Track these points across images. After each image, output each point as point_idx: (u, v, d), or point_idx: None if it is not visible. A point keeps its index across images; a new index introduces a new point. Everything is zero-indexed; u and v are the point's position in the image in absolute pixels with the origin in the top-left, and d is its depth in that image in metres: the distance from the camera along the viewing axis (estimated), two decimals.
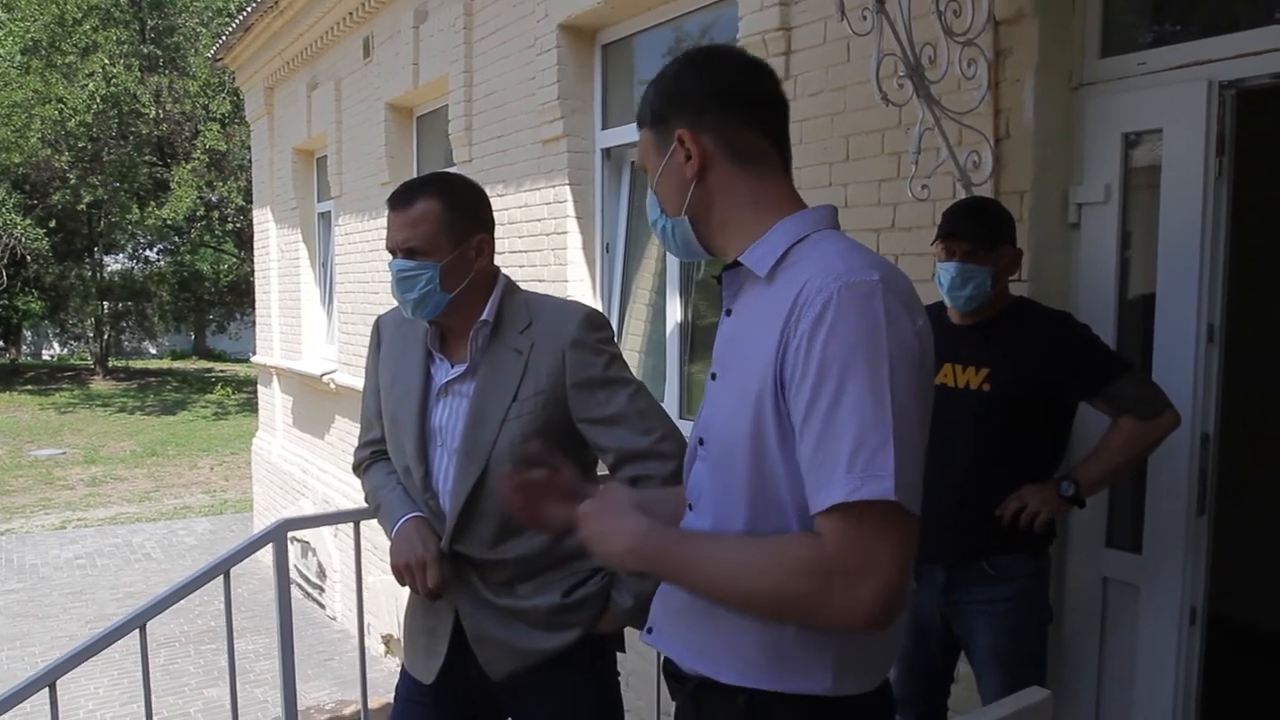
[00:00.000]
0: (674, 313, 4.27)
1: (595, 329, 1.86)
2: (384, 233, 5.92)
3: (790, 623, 1.16)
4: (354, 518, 2.18)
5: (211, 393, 21.60)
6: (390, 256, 1.85)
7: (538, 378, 1.82)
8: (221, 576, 1.96)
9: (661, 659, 1.41)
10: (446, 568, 1.83)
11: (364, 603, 2.19)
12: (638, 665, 2.78)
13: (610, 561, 1.33)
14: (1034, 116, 2.59)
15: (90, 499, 12.48)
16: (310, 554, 8.38)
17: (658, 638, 1.36)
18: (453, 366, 1.89)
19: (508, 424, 1.81)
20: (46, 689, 1.78)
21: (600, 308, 4.47)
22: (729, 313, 1.31)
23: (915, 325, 1.13)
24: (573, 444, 1.86)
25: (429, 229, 1.82)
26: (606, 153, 4.63)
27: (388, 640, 6.70)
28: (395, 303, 1.89)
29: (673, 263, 4.29)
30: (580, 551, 1.87)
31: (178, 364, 28.05)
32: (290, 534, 7.59)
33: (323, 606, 8.09)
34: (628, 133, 4.50)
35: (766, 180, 1.29)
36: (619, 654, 1.99)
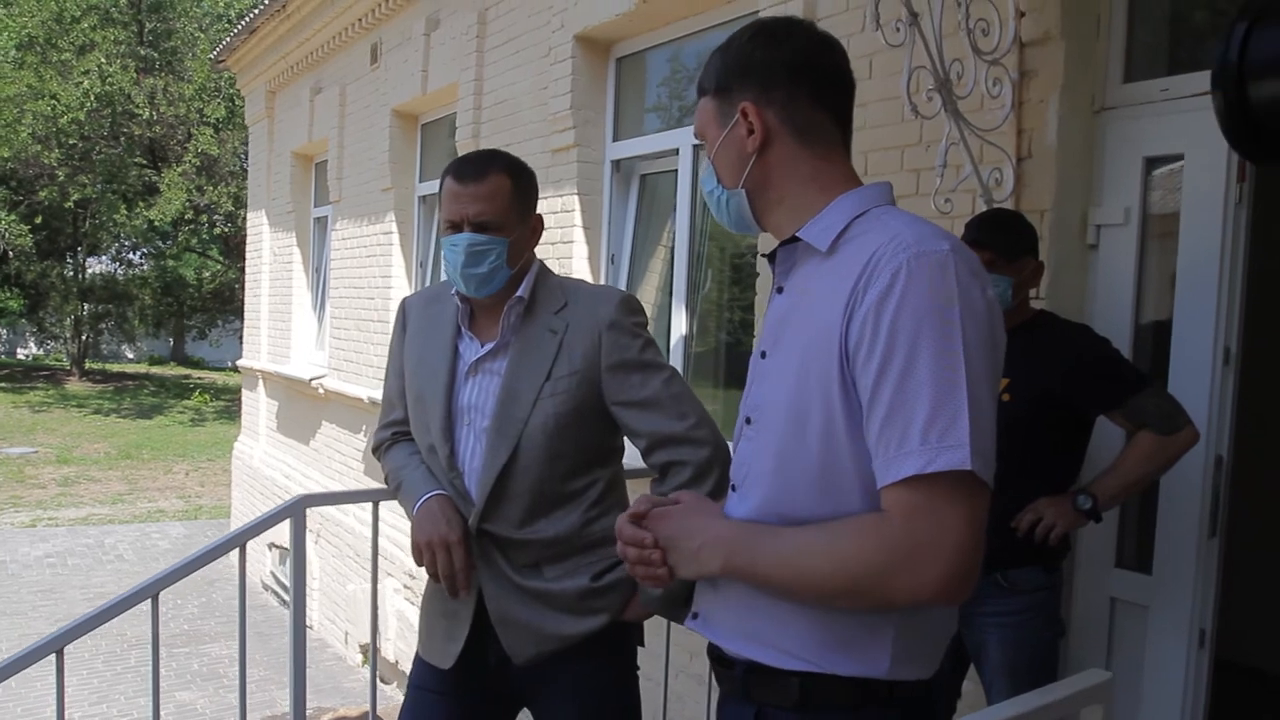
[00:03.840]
0: (679, 325, 4.27)
1: (632, 312, 1.86)
2: (382, 238, 5.92)
3: (866, 605, 1.13)
4: (373, 497, 2.15)
5: (189, 399, 21.36)
6: (452, 230, 1.82)
7: (572, 358, 1.81)
8: (236, 550, 1.93)
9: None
10: (475, 548, 1.80)
11: (376, 591, 2.14)
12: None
13: (691, 566, 1.24)
14: (1056, 137, 2.62)
15: (62, 498, 12.27)
16: (289, 560, 8.27)
17: (704, 623, 1.33)
18: (483, 345, 1.88)
19: (540, 403, 1.79)
20: (53, 655, 1.73)
21: None
22: (780, 290, 1.29)
23: (985, 295, 1.12)
24: (602, 426, 1.86)
25: (502, 203, 1.80)
26: (616, 164, 4.64)
27: (365, 650, 6.60)
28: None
29: (678, 276, 4.30)
30: (611, 535, 1.87)
31: (155, 369, 27.72)
32: (270, 540, 7.48)
33: None
34: (638, 145, 4.53)
35: (827, 159, 1.27)
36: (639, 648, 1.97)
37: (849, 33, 3.12)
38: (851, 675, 1.17)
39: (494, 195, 1.80)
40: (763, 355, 1.28)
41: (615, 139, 4.65)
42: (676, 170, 4.28)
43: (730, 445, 1.36)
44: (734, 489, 1.29)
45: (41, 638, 1.72)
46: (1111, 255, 2.65)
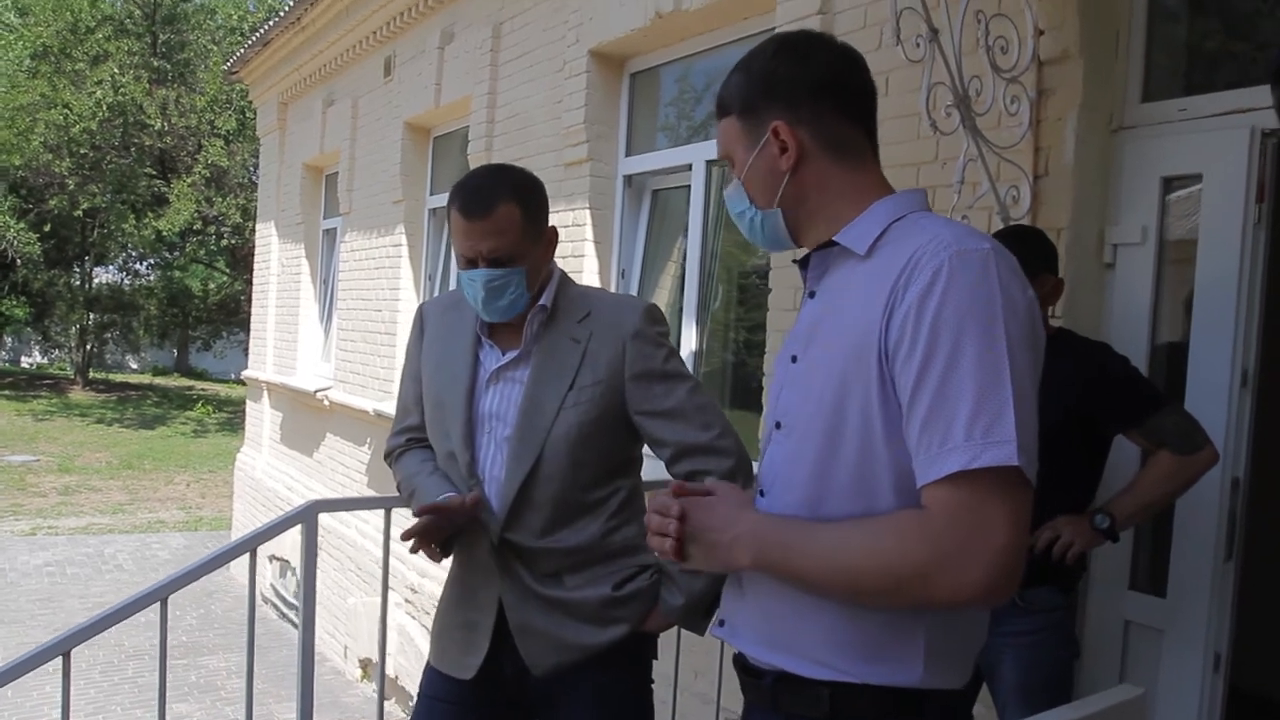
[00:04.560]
0: (689, 341, 4.26)
1: (655, 322, 1.85)
2: (391, 251, 5.91)
3: (903, 604, 1.11)
4: (385, 504, 2.13)
5: (192, 410, 21.35)
6: (468, 265, 1.79)
7: (596, 367, 1.80)
8: (247, 555, 1.91)
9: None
10: (494, 557, 1.77)
11: (388, 598, 2.11)
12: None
13: (720, 558, 1.22)
14: (1074, 156, 2.62)
15: (62, 507, 12.24)
16: (290, 573, 8.23)
17: (730, 631, 1.30)
18: (504, 353, 1.86)
19: (564, 412, 1.78)
20: (60, 658, 1.71)
21: None
22: (812, 295, 1.28)
23: (1026, 293, 1.12)
24: (624, 436, 1.84)
25: (513, 235, 1.77)
26: (628, 179, 4.65)
27: (365, 665, 6.55)
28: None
29: (689, 292, 4.29)
30: (632, 545, 1.86)
31: (159, 379, 27.73)
32: (270, 553, 7.45)
33: (298, 627, 7.92)
34: (650, 160, 4.53)
35: (860, 172, 1.27)
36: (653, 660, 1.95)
37: (866, 49, 3.07)
38: (883, 684, 1.15)
39: (505, 229, 1.76)
40: (793, 359, 1.27)
41: (628, 154, 4.66)
42: (689, 186, 4.28)
43: (760, 451, 1.34)
44: (761, 494, 1.28)
45: (49, 639, 1.70)
46: (1128, 275, 2.64)
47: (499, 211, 1.76)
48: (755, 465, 1.59)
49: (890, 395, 1.11)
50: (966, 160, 2.56)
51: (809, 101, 1.24)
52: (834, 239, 1.24)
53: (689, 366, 4.26)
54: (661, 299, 4.60)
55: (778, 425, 1.27)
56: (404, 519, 1.81)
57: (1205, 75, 2.66)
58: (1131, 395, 2.24)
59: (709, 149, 4.13)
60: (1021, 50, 2.56)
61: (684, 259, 4.37)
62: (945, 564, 1.04)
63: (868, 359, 1.12)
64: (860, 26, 3.15)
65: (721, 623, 1.32)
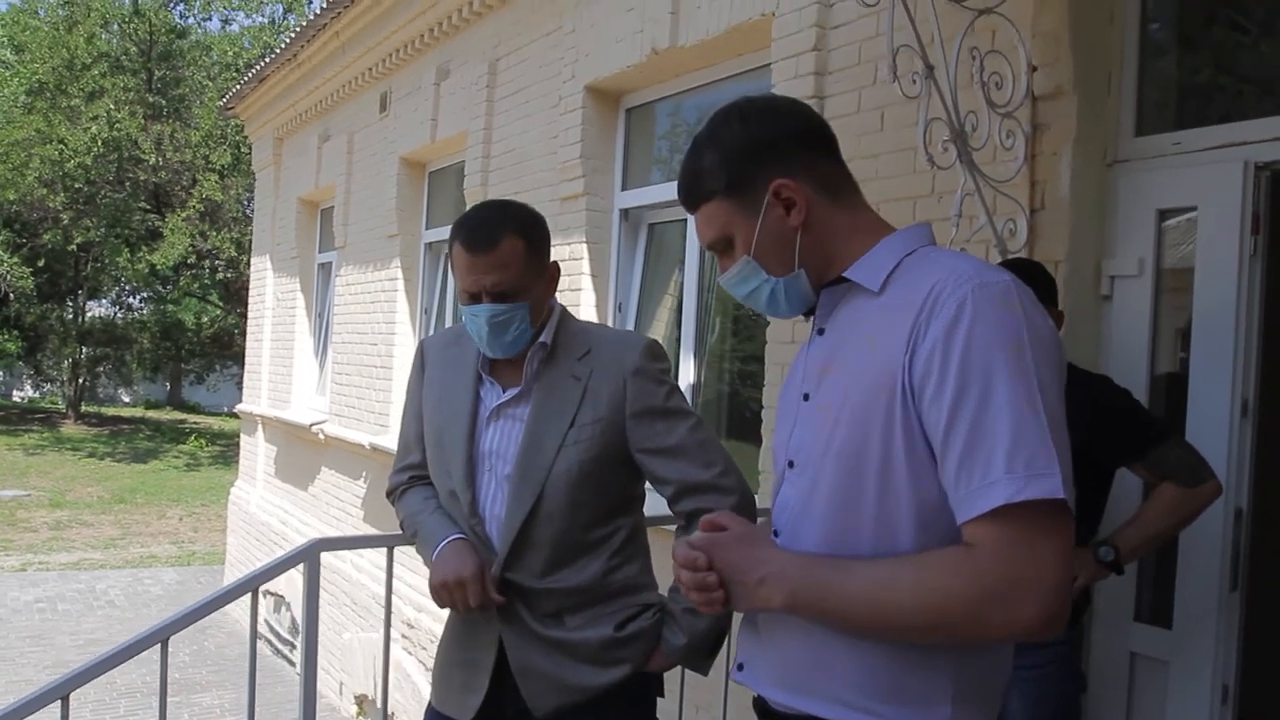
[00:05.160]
0: (686, 373, 4.26)
1: (656, 359, 1.84)
2: (387, 285, 5.94)
3: (953, 641, 1.10)
4: (389, 542, 2.12)
5: (185, 443, 21.23)
6: (471, 300, 1.79)
7: (597, 405, 1.79)
8: (249, 594, 1.89)
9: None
10: (492, 589, 1.77)
11: (390, 636, 2.07)
12: None
13: (749, 600, 1.18)
14: (1069, 189, 2.64)
15: (53, 542, 12.13)
16: (284, 608, 8.15)
17: (750, 675, 1.27)
18: (504, 390, 1.86)
19: (565, 450, 1.77)
20: (58, 702, 1.69)
21: None
22: (821, 331, 1.27)
23: (1048, 323, 1.12)
24: (625, 474, 1.83)
25: (517, 269, 1.77)
26: (624, 213, 4.67)
27: (361, 701, 6.48)
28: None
29: (686, 325, 4.30)
30: (634, 584, 1.84)
31: (151, 413, 27.58)
32: (264, 587, 7.41)
33: (293, 664, 7.83)
34: (646, 194, 4.56)
35: (859, 209, 1.28)
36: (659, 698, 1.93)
37: (861, 85, 3.16)
38: None
39: (509, 262, 1.76)
40: (805, 397, 1.25)
41: (624, 188, 4.68)
42: (685, 220, 4.30)
43: (772, 491, 1.31)
44: (775, 534, 1.25)
45: (48, 683, 1.68)
46: (1125, 306, 2.65)
47: (503, 246, 1.76)
48: (760, 499, 1.58)
49: (914, 432, 1.10)
50: (964, 194, 2.58)
51: (799, 152, 1.24)
52: (844, 275, 1.23)
53: (687, 399, 4.26)
54: (658, 332, 4.61)
55: (790, 464, 1.25)
56: (407, 556, 1.80)
57: (1197, 109, 2.70)
58: (1134, 428, 2.24)
59: None
60: (1016, 86, 2.59)
61: (680, 292, 4.38)
62: (999, 600, 1.03)
63: (889, 396, 1.11)
64: (856, 63, 3.19)
65: (741, 666, 1.29)
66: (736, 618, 1.38)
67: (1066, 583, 1.05)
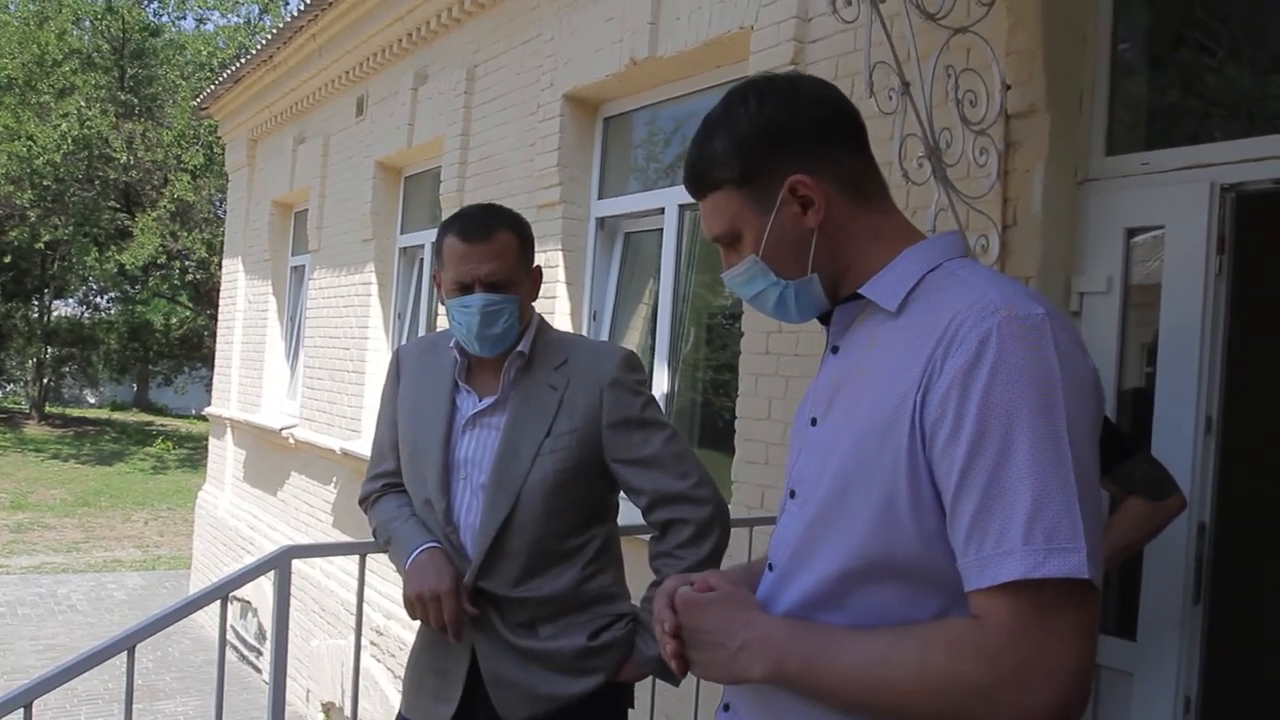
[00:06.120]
0: (660, 382, 4.27)
1: (633, 370, 1.85)
2: (361, 289, 5.92)
3: None
4: (360, 549, 2.10)
5: (151, 446, 20.96)
6: (461, 291, 1.79)
7: (573, 415, 1.80)
8: (219, 601, 1.87)
9: None
10: (466, 602, 1.76)
11: (360, 644, 2.07)
12: None
13: (727, 669, 1.07)
14: (1041, 207, 2.68)
15: (14, 545, 11.93)
16: (251, 614, 8.07)
17: (735, 715, 1.16)
18: (481, 399, 1.86)
19: (540, 459, 1.78)
20: (21, 710, 1.66)
21: None
22: (835, 350, 1.14)
23: (1090, 366, 0.99)
24: (600, 484, 1.84)
25: (511, 261, 1.80)
26: (601, 222, 4.68)
27: (328, 709, 6.41)
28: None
29: (660, 334, 4.31)
30: (607, 594, 1.85)
31: (118, 415, 27.18)
32: (232, 594, 7.35)
33: (259, 671, 7.75)
34: (623, 203, 4.57)
35: (886, 213, 1.14)
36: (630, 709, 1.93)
37: None
38: None
39: (503, 253, 1.80)
40: (813, 422, 1.13)
41: (600, 196, 4.69)
42: (661, 229, 4.32)
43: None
44: (771, 568, 1.15)
45: (10, 691, 1.65)
46: (1094, 323, 2.69)
47: (498, 237, 1.79)
48: (734, 509, 1.58)
49: (921, 478, 0.98)
50: (938, 210, 2.61)
51: (821, 143, 1.10)
52: (860, 291, 1.10)
53: (661, 408, 4.27)
54: (633, 341, 4.62)
55: (792, 494, 1.14)
56: (377, 563, 1.79)
57: (1166, 130, 2.75)
58: (1103, 441, 2.26)
59: (681, 193, 4.17)
60: (990, 104, 2.63)
61: (655, 301, 4.39)
62: (1010, 687, 0.91)
63: (898, 434, 0.98)
64: (833, 77, 3.22)
65: (727, 707, 1.19)
66: None
67: (1088, 669, 0.93)
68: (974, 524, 0.93)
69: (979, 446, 0.93)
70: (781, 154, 1.10)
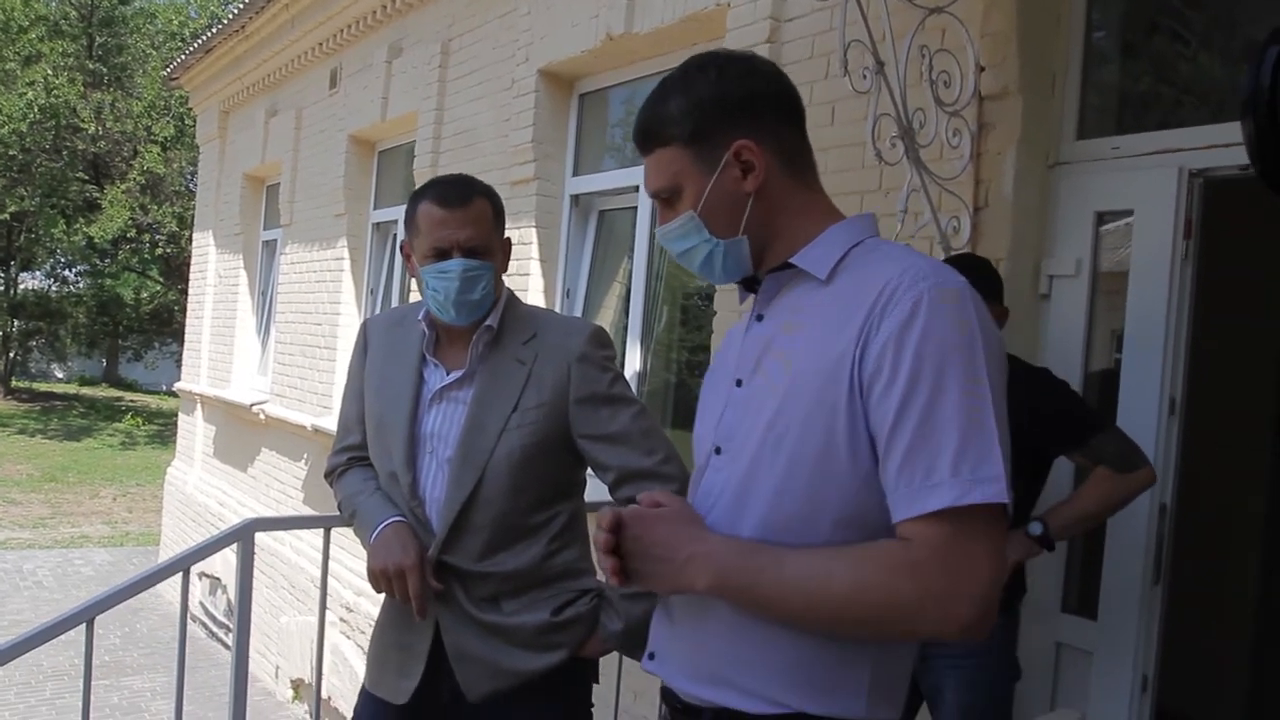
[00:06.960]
0: (633, 361, 4.27)
1: (601, 345, 1.84)
2: (333, 264, 5.86)
3: (880, 637, 1.11)
4: (325, 523, 2.09)
5: (120, 421, 20.70)
6: (437, 258, 1.77)
7: (540, 389, 1.79)
8: (180, 574, 1.85)
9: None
10: (430, 577, 1.76)
11: (323, 623, 2.05)
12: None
13: (670, 578, 1.15)
14: (1013, 189, 2.69)
15: None
16: (220, 590, 8.02)
17: (662, 664, 1.24)
18: (449, 373, 1.85)
19: (507, 434, 1.77)
20: None
21: None
22: (760, 318, 1.24)
23: (997, 331, 1.12)
24: (567, 459, 1.83)
25: (487, 228, 1.80)
26: (575, 199, 4.66)
27: (297, 686, 6.40)
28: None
29: (634, 313, 4.30)
30: (573, 569, 1.84)
31: (86, 390, 26.81)
32: (200, 570, 7.28)
33: (228, 648, 7.71)
34: (598, 180, 4.55)
35: (813, 189, 1.25)
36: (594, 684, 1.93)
37: (812, 79, 3.18)
38: (827, 716, 1.12)
39: (480, 219, 1.79)
40: (738, 383, 1.22)
41: (575, 174, 4.66)
42: (635, 208, 4.30)
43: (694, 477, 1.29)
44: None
45: None
46: (1062, 305, 2.71)
47: (475, 203, 1.80)
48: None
49: (859, 426, 1.09)
50: (910, 190, 2.62)
51: (770, 117, 1.21)
52: (791, 261, 1.20)
53: (633, 387, 4.27)
54: (606, 319, 4.60)
55: (717, 450, 1.22)
56: (344, 537, 1.78)
57: (1136, 115, 2.77)
58: (1075, 417, 2.29)
59: None
60: (964, 85, 2.64)
61: (629, 279, 4.38)
62: (934, 601, 1.03)
63: (836, 388, 1.09)
64: (808, 56, 3.21)
65: (652, 655, 1.27)
66: None
67: (999, 586, 1.05)
68: (905, 460, 1.05)
69: (912, 391, 1.05)
70: (733, 120, 1.19)
